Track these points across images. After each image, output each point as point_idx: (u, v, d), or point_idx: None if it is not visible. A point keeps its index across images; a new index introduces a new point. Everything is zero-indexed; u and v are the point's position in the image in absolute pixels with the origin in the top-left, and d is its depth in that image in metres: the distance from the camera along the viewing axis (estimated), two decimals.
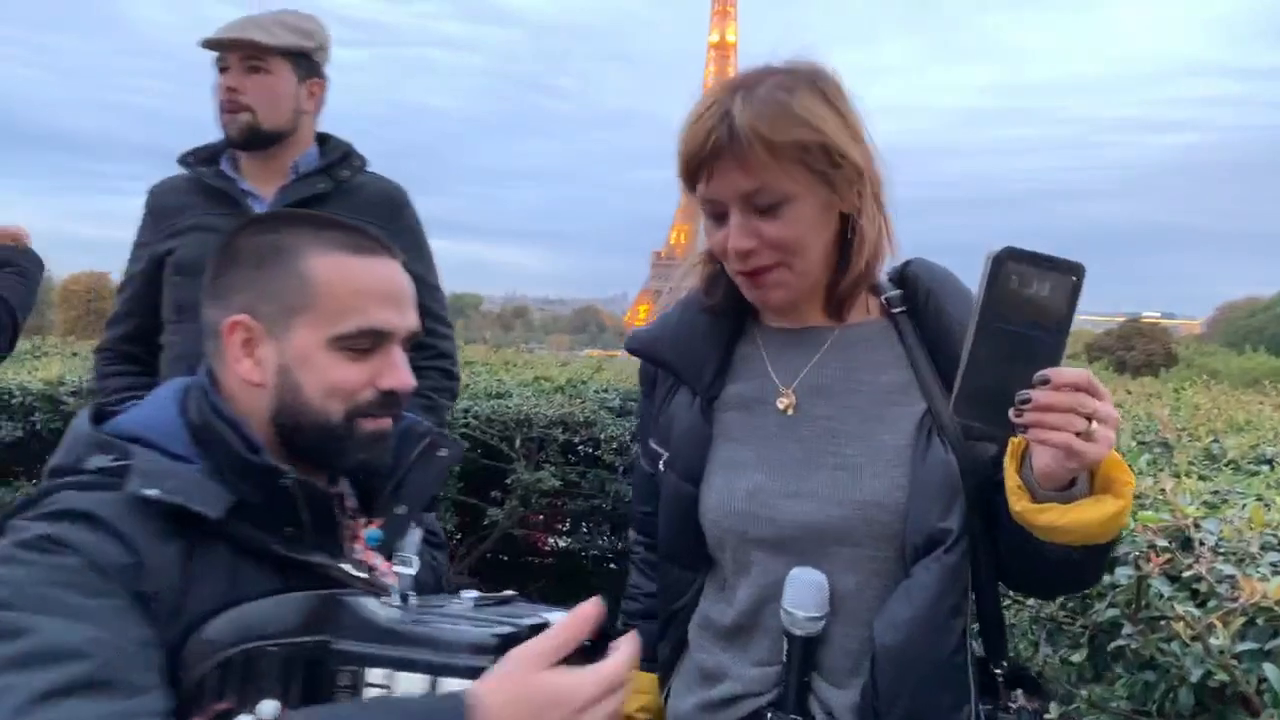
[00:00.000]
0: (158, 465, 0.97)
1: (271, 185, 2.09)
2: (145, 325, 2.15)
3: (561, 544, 3.99)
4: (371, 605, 0.95)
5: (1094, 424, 0.99)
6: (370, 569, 1.08)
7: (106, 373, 2.21)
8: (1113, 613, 1.39)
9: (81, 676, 0.81)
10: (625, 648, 0.91)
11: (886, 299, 1.29)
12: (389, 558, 1.12)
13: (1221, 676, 1.11)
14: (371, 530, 1.13)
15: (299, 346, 1.06)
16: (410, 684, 0.90)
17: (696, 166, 1.18)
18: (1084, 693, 1.36)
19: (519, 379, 4.31)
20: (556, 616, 0.99)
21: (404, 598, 1.00)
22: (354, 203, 2.09)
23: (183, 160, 2.16)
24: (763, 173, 1.15)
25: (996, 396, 1.01)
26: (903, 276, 1.30)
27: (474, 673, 0.90)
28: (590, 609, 0.89)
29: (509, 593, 1.06)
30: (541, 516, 3.89)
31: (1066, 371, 1.00)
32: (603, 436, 3.54)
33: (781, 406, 1.26)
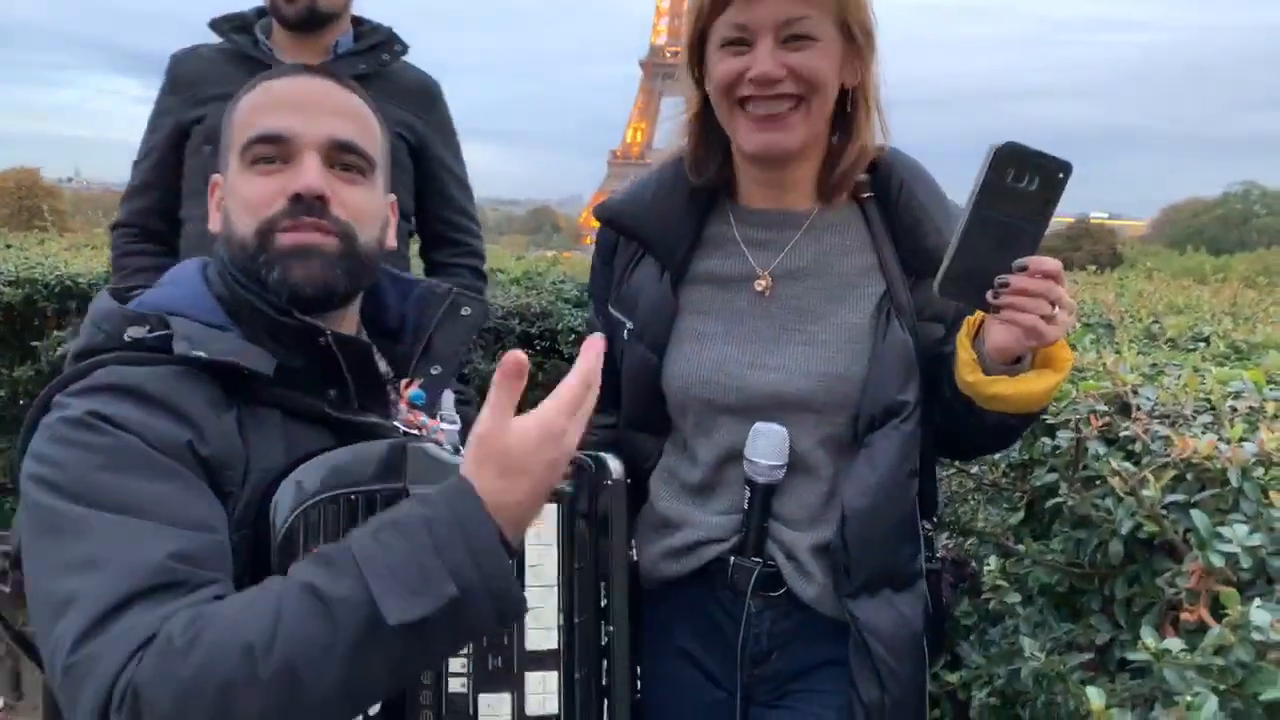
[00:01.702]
0: (199, 330, 0.95)
1: (311, 62, 2.01)
2: (169, 198, 2.06)
3: None
4: (439, 451, 0.99)
5: (1056, 309, 1.09)
6: (418, 428, 1.09)
7: (128, 250, 2.10)
8: (1051, 477, 1.46)
9: (147, 584, 0.79)
10: (581, 360, 0.91)
11: (857, 184, 1.33)
12: (431, 415, 1.13)
13: (1151, 528, 1.17)
14: (415, 390, 1.13)
15: (229, 180, 1.06)
16: None
17: None
18: (1022, 548, 1.43)
19: None
20: (607, 455, 1.10)
21: (455, 451, 1.03)
22: (391, 88, 2.03)
23: (215, 25, 2.05)
24: (807, 3, 1.19)
25: (978, 277, 1.10)
26: (875, 164, 1.33)
27: (554, 495, 0.97)
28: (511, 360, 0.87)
29: None
30: None
31: (1044, 261, 1.09)
32: (560, 328, 3.54)
33: (759, 289, 1.32)
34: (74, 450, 0.85)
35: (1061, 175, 1.09)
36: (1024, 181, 1.08)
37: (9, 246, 4.26)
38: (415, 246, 2.32)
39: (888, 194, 1.31)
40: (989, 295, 1.10)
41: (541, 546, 0.97)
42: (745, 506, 1.28)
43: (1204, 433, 1.23)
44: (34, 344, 3.17)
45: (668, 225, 1.34)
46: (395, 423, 1.06)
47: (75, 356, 0.97)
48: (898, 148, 1.35)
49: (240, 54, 2.01)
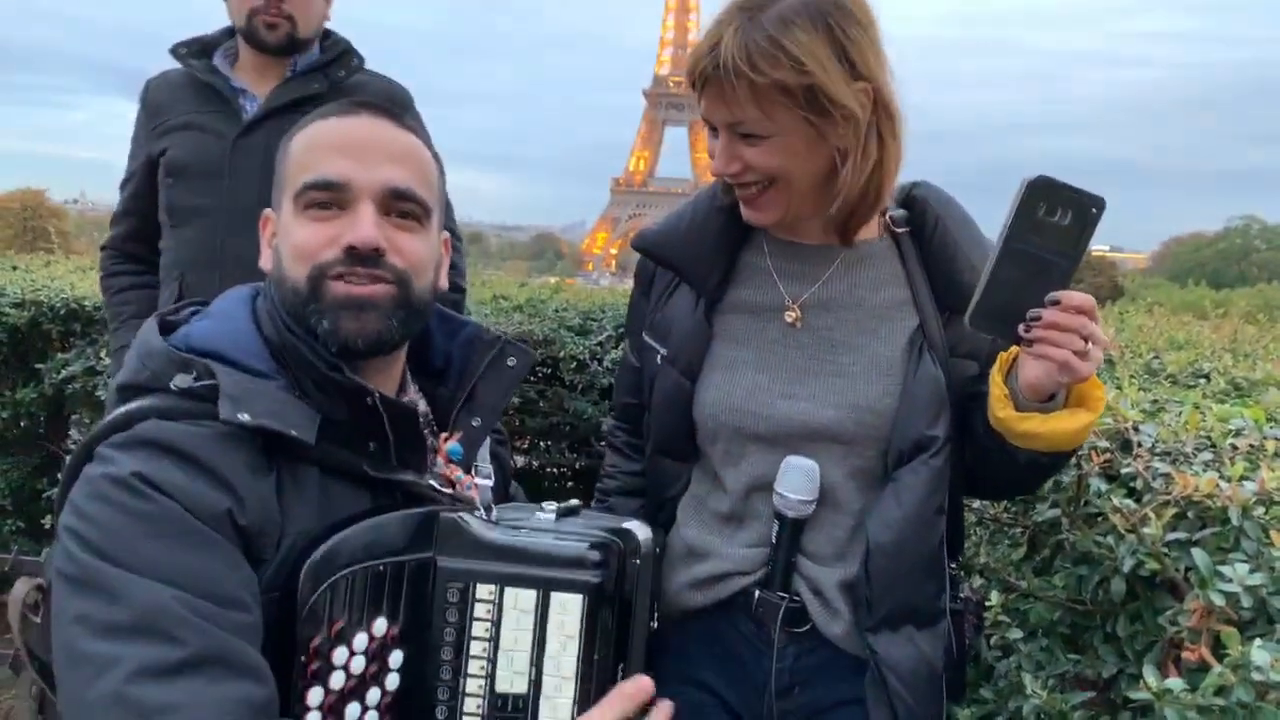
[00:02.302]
0: (243, 386, 0.93)
1: (268, 83, 2.02)
2: (147, 224, 2.10)
3: (520, 461, 4.02)
4: (472, 522, 0.97)
5: (1089, 344, 1.09)
6: (452, 483, 1.07)
7: (112, 270, 2.18)
8: (1053, 512, 1.46)
9: (183, 656, 0.79)
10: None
11: (891, 218, 1.33)
12: (467, 470, 1.11)
13: (1152, 565, 1.17)
14: (453, 445, 1.11)
15: (282, 221, 1.04)
16: (520, 600, 0.94)
17: (692, 85, 1.21)
18: (1024, 584, 1.43)
19: (477, 298, 4.27)
20: (635, 525, 1.04)
21: (487, 509, 1.02)
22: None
23: (174, 51, 2.07)
24: (743, 108, 1.18)
25: (1010, 311, 1.10)
26: (909, 198, 1.34)
27: (580, 586, 0.93)
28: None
29: (575, 502, 1.08)
30: (499, 434, 3.91)
31: (1075, 295, 1.09)
32: (562, 355, 3.54)
33: (790, 319, 1.32)
34: (115, 512, 0.84)
35: (1095, 210, 1.08)
36: (1056, 215, 1.07)
37: (15, 268, 4.28)
38: None
39: (922, 229, 1.31)
40: (1021, 329, 1.09)
41: (564, 637, 0.94)
42: (773, 540, 1.27)
43: (1205, 470, 1.23)
44: (38, 366, 3.17)
45: (701, 254, 1.35)
46: (429, 479, 1.04)
47: (119, 389, 0.96)
48: (930, 182, 1.35)
49: (200, 81, 2.02)
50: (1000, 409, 1.16)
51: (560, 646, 0.94)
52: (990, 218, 1.21)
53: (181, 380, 0.92)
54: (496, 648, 0.94)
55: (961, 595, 1.33)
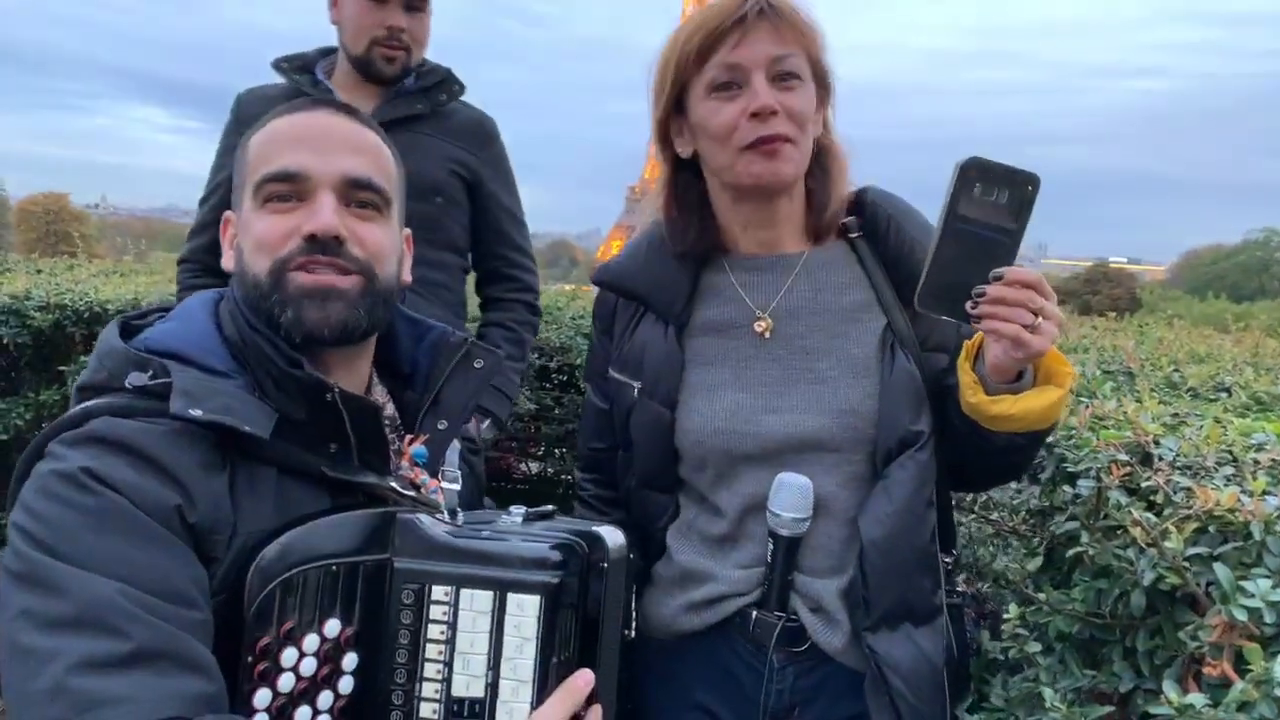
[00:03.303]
0: (199, 383, 0.92)
1: (367, 102, 2.07)
2: None
3: (534, 469, 4.03)
4: (429, 523, 0.95)
5: (1040, 319, 1.10)
6: (417, 486, 1.06)
7: (189, 285, 2.17)
8: (1072, 525, 1.45)
9: (127, 650, 0.78)
10: None
11: (844, 224, 1.36)
12: (434, 474, 1.10)
13: (1173, 579, 1.16)
14: (418, 448, 1.10)
15: (242, 218, 1.04)
16: (476, 601, 0.91)
17: (725, 31, 1.22)
18: (1042, 596, 1.42)
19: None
20: (606, 530, 1.00)
21: (453, 513, 1.01)
22: (447, 127, 2.11)
23: (277, 66, 2.12)
24: (792, 43, 1.23)
25: (956, 290, 1.13)
26: (858, 203, 1.37)
27: (537, 587, 0.90)
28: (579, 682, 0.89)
29: (549, 508, 1.06)
30: (514, 441, 3.92)
31: (1019, 270, 1.11)
32: (578, 362, 3.56)
33: (759, 330, 1.32)
34: (62, 507, 0.83)
35: (1030, 187, 1.11)
36: (993, 195, 1.11)
37: (39, 271, 4.34)
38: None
39: (875, 230, 1.34)
40: (968, 306, 1.12)
41: (521, 639, 0.91)
42: (768, 560, 1.26)
43: (1226, 485, 1.23)
44: (61, 369, 3.21)
45: (664, 280, 1.36)
46: (392, 482, 1.02)
47: (77, 390, 0.96)
48: (879, 186, 1.38)
49: (300, 94, 2.06)
50: (971, 395, 1.18)
51: (517, 649, 0.91)
52: None
53: (136, 378, 0.92)
54: (453, 650, 0.91)
55: (958, 590, 1.34)
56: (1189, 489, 1.22)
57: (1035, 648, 1.39)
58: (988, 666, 1.50)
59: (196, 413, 0.87)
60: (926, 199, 1.46)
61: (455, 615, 0.92)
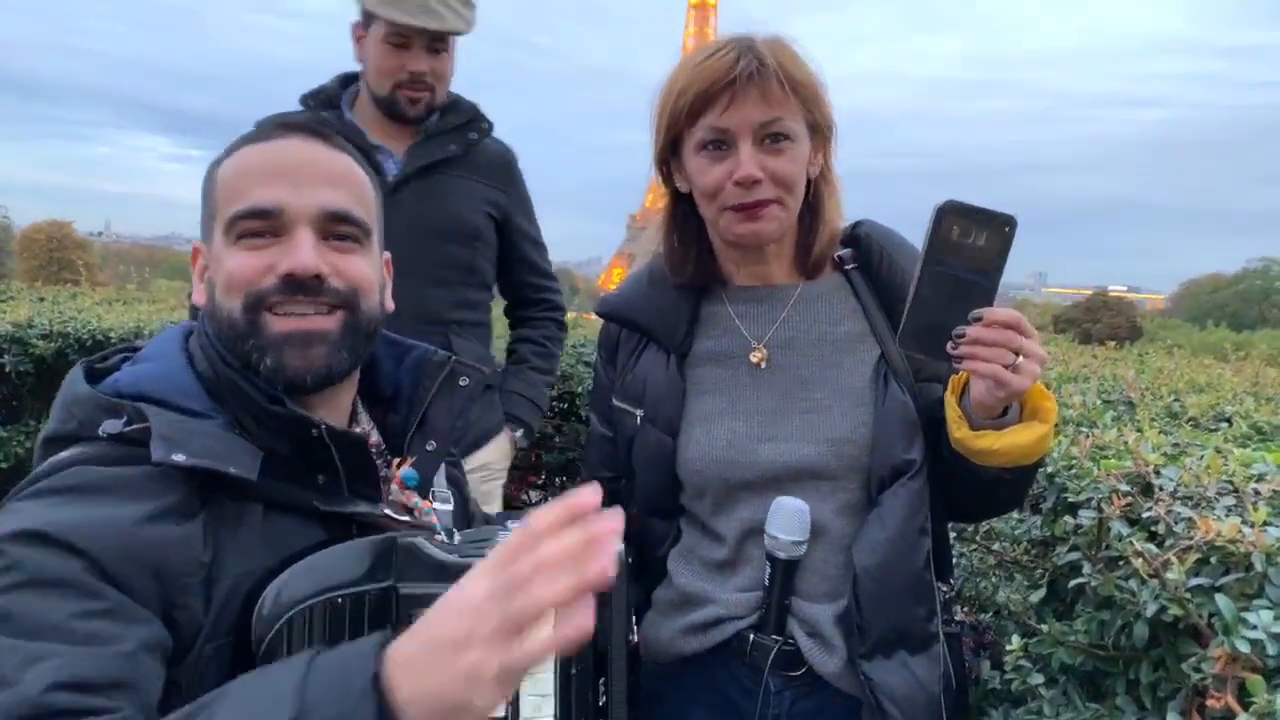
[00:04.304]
0: (178, 427, 0.87)
1: (397, 140, 2.08)
2: None
3: (534, 497, 4.02)
4: (432, 546, 0.93)
5: (1020, 358, 1.11)
6: (409, 510, 1.04)
7: None
8: (1074, 555, 1.45)
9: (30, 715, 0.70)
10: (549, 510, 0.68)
11: (839, 256, 1.38)
12: (425, 495, 1.08)
13: (1175, 610, 1.16)
14: (408, 471, 1.07)
15: (213, 253, 0.98)
16: None
17: (714, 95, 1.23)
18: (1045, 627, 1.41)
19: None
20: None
21: (449, 533, 1.00)
22: (478, 165, 2.13)
23: (305, 104, 2.12)
24: (781, 106, 1.23)
25: (937, 331, 1.14)
26: (853, 236, 1.39)
27: None
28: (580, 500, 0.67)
29: None
30: (515, 469, 3.91)
31: (998, 311, 1.12)
32: (579, 390, 3.56)
33: (755, 360, 1.34)
34: (9, 575, 0.76)
35: (1008, 229, 1.13)
36: (971, 237, 1.12)
37: (42, 300, 4.36)
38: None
39: (869, 263, 1.36)
40: (949, 347, 1.13)
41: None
42: (766, 583, 1.27)
43: (1227, 515, 1.22)
44: None
45: (665, 310, 1.39)
46: (385, 508, 0.99)
47: (43, 443, 0.91)
48: (874, 220, 1.41)
49: None
50: (956, 429, 1.20)
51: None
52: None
53: (111, 426, 0.87)
54: None
55: (956, 619, 1.34)
56: (1190, 519, 1.22)
57: (1038, 679, 1.38)
58: (987, 696, 1.50)
59: (180, 458, 0.84)
60: (923, 227, 1.49)
61: None
